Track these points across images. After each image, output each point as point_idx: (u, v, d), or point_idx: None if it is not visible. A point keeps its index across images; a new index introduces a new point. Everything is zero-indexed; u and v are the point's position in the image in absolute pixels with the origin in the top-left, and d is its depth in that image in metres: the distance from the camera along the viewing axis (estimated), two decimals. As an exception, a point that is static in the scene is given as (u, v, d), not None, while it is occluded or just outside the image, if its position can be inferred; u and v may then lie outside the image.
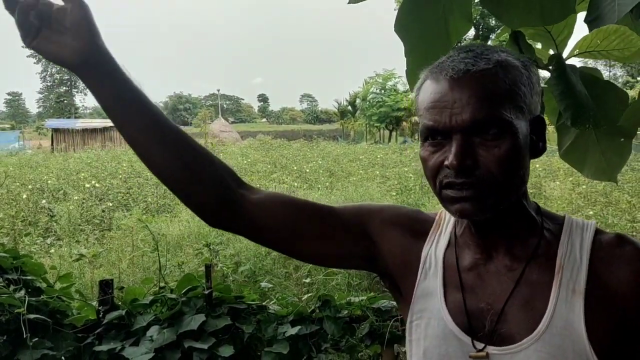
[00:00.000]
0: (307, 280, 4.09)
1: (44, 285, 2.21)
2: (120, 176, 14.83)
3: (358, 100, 42.39)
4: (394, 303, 2.41)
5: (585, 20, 1.28)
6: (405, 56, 1.40)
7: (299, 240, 0.98)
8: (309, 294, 2.36)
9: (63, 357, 2.07)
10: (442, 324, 0.88)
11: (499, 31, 1.77)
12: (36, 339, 1.98)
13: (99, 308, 2.22)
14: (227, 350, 2.16)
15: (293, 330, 2.24)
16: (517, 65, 0.82)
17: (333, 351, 2.36)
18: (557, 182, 12.54)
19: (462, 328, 0.86)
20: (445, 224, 0.97)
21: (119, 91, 0.90)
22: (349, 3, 1.45)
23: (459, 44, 1.45)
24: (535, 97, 0.84)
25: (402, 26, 1.38)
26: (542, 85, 1.39)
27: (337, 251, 0.99)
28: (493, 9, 1.25)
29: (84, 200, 10.98)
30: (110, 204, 10.71)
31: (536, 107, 0.84)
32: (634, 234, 7.61)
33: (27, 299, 1.95)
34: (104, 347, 2.11)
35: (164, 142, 0.91)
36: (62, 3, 0.88)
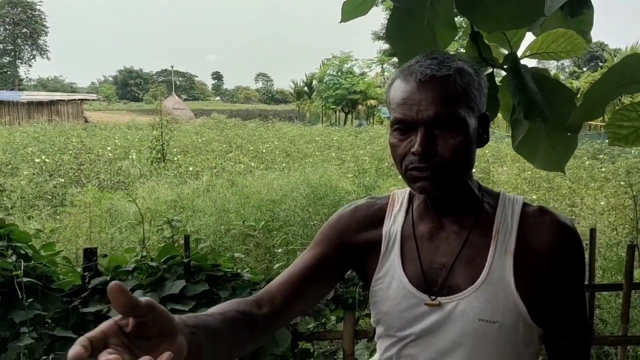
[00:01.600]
0: (280, 251, 4.31)
1: (30, 252, 2.34)
2: (70, 152, 14.48)
3: (314, 82, 42.40)
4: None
5: None
6: (398, 63, 1.51)
7: (311, 300, 1.15)
8: (281, 263, 2.57)
9: (52, 318, 2.22)
10: (402, 285, 1.08)
11: (460, 33, 1.91)
12: (30, 299, 2.12)
13: (85, 274, 2.37)
14: (206, 313, 2.36)
15: (266, 295, 2.45)
16: (471, 72, 1.03)
17: (300, 315, 2.59)
18: (505, 168, 13.10)
19: (418, 286, 1.07)
20: (399, 202, 1.18)
21: (218, 346, 0.85)
22: (340, 22, 1.55)
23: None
24: (483, 98, 1.06)
25: (392, 36, 1.49)
26: (498, 82, 1.60)
27: (337, 279, 1.19)
28: (469, 15, 1.36)
29: (34, 176, 10.73)
30: (62, 180, 10.51)
31: (483, 106, 1.06)
32: (574, 217, 8.17)
33: (22, 263, 2.09)
34: (90, 309, 2.27)
35: (234, 346, 0.92)
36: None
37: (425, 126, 0.98)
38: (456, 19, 1.49)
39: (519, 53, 1.59)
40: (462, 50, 1.64)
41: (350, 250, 1.16)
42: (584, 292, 1.11)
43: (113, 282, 0.64)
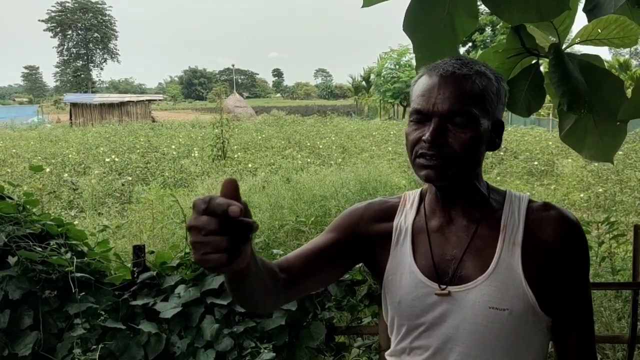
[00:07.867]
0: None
1: (85, 249, 2.55)
2: (138, 150, 15.15)
3: (372, 76, 42.10)
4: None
5: (584, 10, 1.41)
6: (414, 53, 1.54)
7: (323, 278, 1.22)
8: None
9: (103, 311, 2.42)
10: (413, 276, 1.14)
11: (501, 24, 1.82)
12: (82, 293, 2.32)
13: (133, 269, 2.56)
14: (243, 307, 2.49)
15: (301, 291, 2.56)
16: (491, 77, 1.09)
17: (336, 310, 2.68)
18: (569, 160, 12.61)
19: (429, 276, 1.13)
20: (410, 201, 1.24)
21: (255, 277, 0.95)
22: (362, 7, 1.53)
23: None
24: (500, 105, 1.11)
25: (410, 26, 1.48)
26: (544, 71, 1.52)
27: (347, 266, 1.26)
28: (493, 6, 1.34)
29: (104, 174, 11.31)
30: (130, 178, 10.99)
31: (499, 113, 1.12)
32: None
33: (75, 259, 2.29)
34: (138, 302, 2.45)
35: (263, 290, 1.02)
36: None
37: (439, 118, 1.04)
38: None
39: (568, 40, 1.56)
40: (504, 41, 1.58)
41: (362, 240, 1.22)
42: (587, 285, 1.14)
43: (230, 178, 0.78)
